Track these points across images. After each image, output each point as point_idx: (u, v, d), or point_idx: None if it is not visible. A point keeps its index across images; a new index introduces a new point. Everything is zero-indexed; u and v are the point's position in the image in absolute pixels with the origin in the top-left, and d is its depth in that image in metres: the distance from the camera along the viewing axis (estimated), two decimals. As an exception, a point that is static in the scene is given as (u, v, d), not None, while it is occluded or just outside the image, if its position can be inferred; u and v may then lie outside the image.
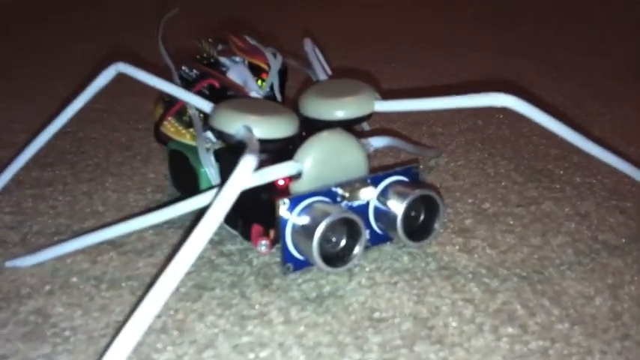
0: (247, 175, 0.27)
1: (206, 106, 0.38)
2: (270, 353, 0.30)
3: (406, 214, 0.36)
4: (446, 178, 0.47)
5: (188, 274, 0.36)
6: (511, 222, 0.41)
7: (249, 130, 0.35)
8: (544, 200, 0.44)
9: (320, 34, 0.56)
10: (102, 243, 0.38)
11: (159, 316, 0.32)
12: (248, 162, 0.27)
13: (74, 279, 0.36)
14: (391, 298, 0.34)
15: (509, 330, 0.31)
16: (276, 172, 0.35)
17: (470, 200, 0.44)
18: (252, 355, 0.30)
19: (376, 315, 0.32)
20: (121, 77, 0.42)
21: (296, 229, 0.35)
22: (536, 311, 0.33)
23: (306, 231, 0.34)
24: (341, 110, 0.39)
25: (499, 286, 0.35)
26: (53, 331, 0.31)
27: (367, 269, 0.36)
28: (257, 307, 0.33)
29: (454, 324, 0.32)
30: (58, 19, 0.95)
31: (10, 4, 0.99)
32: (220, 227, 0.40)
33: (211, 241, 0.39)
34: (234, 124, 0.36)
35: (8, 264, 0.37)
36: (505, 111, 0.60)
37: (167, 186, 0.46)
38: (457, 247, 0.38)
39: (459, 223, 0.41)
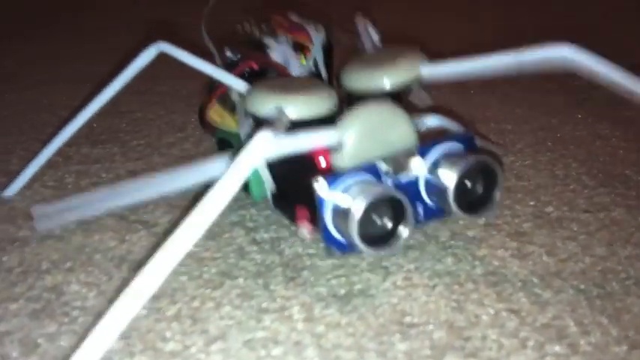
0: (260, 151, 0.25)
1: (243, 87, 0.36)
2: (283, 352, 0.27)
3: (459, 185, 0.33)
4: (508, 178, 0.43)
5: (213, 259, 0.34)
6: (575, 228, 0.37)
7: (280, 111, 0.33)
8: (616, 207, 0.39)
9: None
10: (134, 222, 0.37)
11: (174, 303, 0.30)
12: (262, 137, 0.24)
13: (97, 256, 0.34)
14: (427, 302, 0.31)
15: (557, 349, 0.28)
16: (313, 140, 0.32)
17: (532, 202, 0.40)
18: (263, 352, 0.27)
19: (407, 319, 0.29)
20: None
21: (336, 210, 0.32)
22: (590, 329, 0.29)
23: (346, 212, 0.31)
24: (383, 78, 0.36)
25: (551, 298, 0.31)
26: (63, 310, 0.30)
27: (405, 269, 0.33)
28: (278, 300, 0.31)
29: (493, 336, 0.28)
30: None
31: None
32: (257, 215, 0.38)
33: (245, 228, 0.37)
34: (267, 106, 0.33)
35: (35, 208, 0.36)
36: (584, 109, 0.55)
37: (211, 169, 0.45)
38: (509, 252, 0.35)
39: (516, 227, 0.37)
